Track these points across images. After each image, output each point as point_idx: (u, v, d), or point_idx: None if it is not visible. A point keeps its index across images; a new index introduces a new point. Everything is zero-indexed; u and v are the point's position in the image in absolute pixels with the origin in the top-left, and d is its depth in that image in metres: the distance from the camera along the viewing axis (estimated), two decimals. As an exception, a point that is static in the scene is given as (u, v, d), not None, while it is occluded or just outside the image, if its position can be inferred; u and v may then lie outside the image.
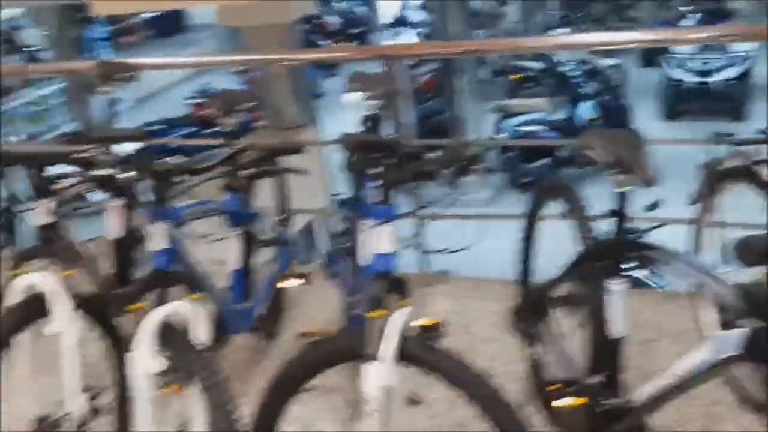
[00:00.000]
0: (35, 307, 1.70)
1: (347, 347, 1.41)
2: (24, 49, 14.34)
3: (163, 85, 14.34)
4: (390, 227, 1.38)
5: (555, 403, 1.46)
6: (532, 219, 2.09)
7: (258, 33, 4.44)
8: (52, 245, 1.77)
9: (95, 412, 1.82)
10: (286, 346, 2.56)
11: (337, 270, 2.28)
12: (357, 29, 16.87)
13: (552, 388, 1.51)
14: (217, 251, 2.23)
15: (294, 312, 2.77)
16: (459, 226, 2.16)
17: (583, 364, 1.77)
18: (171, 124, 10.64)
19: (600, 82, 10.44)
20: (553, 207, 2.03)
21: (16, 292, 1.73)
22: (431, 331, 1.53)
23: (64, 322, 1.72)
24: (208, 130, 10.29)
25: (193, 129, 10.32)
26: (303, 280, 2.37)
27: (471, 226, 2.85)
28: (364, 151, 1.28)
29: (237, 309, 2.16)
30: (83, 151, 1.37)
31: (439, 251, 1.41)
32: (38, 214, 1.74)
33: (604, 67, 10.69)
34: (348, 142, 1.53)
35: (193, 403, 1.63)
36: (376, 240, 1.38)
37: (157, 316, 1.52)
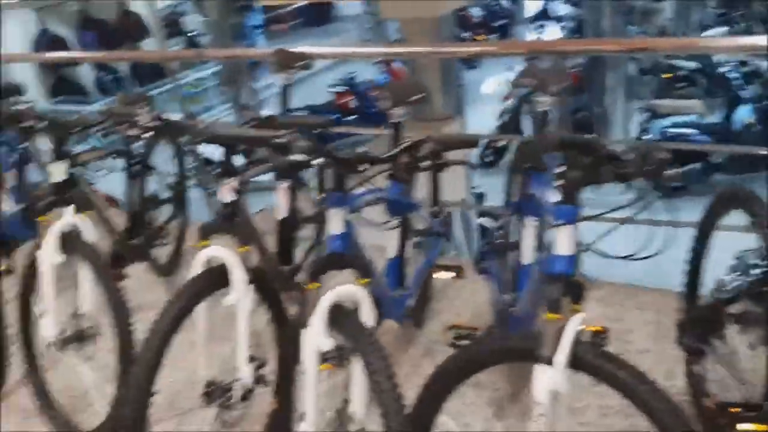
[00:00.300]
0: (216, 279, 1.82)
1: (520, 347, 1.40)
2: (188, 33, 15.31)
3: (307, 72, 14.82)
4: (572, 228, 1.36)
5: (740, 427, 1.38)
6: (706, 229, 1.98)
7: (415, 25, 4.51)
8: (232, 221, 1.89)
9: (259, 381, 1.93)
10: (432, 336, 2.59)
11: (490, 266, 2.26)
12: (499, 22, 16.66)
13: (732, 410, 1.42)
14: (374, 238, 2.29)
15: (440, 303, 2.79)
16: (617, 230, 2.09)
17: (760, 388, 1.67)
18: (314, 111, 10.98)
19: (762, 86, 9.69)
20: (733, 217, 1.92)
21: (199, 263, 1.86)
22: (599, 337, 1.50)
23: (240, 295, 1.83)
24: (350, 118, 10.56)
25: (333, 116, 10.65)
26: (454, 273, 2.37)
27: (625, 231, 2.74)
28: (561, 150, 1.25)
29: (392, 296, 2.20)
30: (280, 137, 1.45)
31: (625, 258, 1.35)
32: (224, 192, 1.86)
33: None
34: (542, 141, 1.51)
35: (355, 382, 1.68)
36: (557, 241, 1.36)
37: (331, 296, 1.58)
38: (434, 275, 2.33)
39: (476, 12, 16.29)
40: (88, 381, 2.31)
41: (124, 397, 1.71)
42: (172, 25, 16.31)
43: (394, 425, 1.47)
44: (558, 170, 1.34)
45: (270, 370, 1.98)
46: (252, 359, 1.88)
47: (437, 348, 2.50)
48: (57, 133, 2.22)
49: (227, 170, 1.85)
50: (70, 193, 2.31)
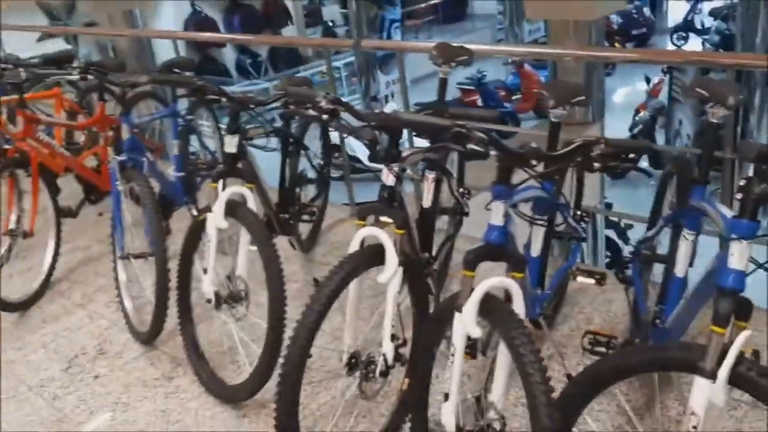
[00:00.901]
0: (372, 257, 1.92)
1: (681, 358, 1.39)
2: (328, 23, 15.76)
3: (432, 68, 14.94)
4: (748, 244, 1.34)
5: None
6: None
7: (561, 27, 4.48)
8: (391, 205, 1.98)
9: (398, 359, 2.01)
10: (561, 339, 2.59)
11: (633, 276, 2.23)
12: (639, 30, 16.09)
13: None
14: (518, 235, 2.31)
15: (571, 308, 2.78)
16: None
17: None
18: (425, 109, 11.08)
19: None
20: None
21: (357, 241, 1.97)
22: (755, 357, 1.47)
23: (391, 275, 1.91)
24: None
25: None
26: (595, 279, 2.36)
27: None
28: (758, 162, 1.23)
29: (531, 294, 2.23)
30: (455, 127, 1.51)
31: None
32: (387, 176, 1.95)
33: None
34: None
35: (499, 372, 1.73)
36: (732, 255, 1.34)
37: (486, 285, 1.63)
38: (577, 278, 2.32)
39: (615, 19, 15.82)
40: (236, 339, 2.49)
41: (287, 359, 1.84)
42: (313, 15, 16.90)
43: (544, 419, 1.50)
44: (742, 183, 1.32)
45: (405, 350, 2.06)
46: (393, 337, 1.96)
47: (566, 351, 2.50)
48: (234, 107, 2.40)
49: (391, 155, 1.94)
50: (239, 164, 2.50)
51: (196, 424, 2.39)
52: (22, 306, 3.25)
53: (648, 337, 2.09)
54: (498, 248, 1.69)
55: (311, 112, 1.95)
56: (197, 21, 14.18)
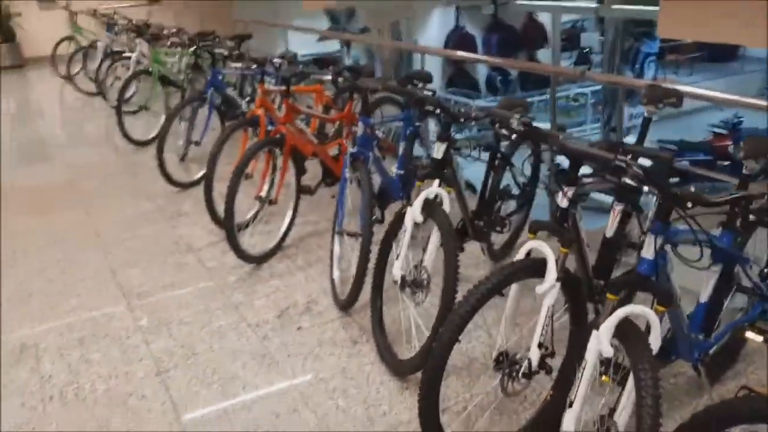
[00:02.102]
0: (533, 268, 2.13)
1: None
2: (583, 49, 15.64)
3: (695, 106, 14.10)
4: None
5: None
6: None
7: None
8: (561, 224, 2.17)
9: (542, 367, 2.19)
10: (724, 393, 2.55)
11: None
12: None
13: None
14: (694, 282, 2.35)
15: (745, 366, 2.71)
16: None
17: None
18: (685, 147, 10.49)
19: None
20: None
21: (524, 251, 2.20)
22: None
23: (548, 288, 2.11)
24: (725, 163, 9.86)
25: (707, 158, 10.05)
26: (763, 338, 2.31)
27: None
28: None
29: (691, 338, 2.27)
30: (616, 160, 1.68)
31: None
32: (561, 198, 2.15)
33: None
34: None
35: (626, 396, 1.85)
36: None
37: (626, 310, 1.78)
38: (746, 334, 2.30)
39: None
40: (412, 321, 2.84)
41: (438, 339, 2.13)
42: (571, 39, 16.86)
43: None
44: None
45: (556, 364, 2.23)
46: (541, 346, 2.15)
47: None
48: (446, 119, 2.74)
49: (570, 179, 2.13)
50: (444, 169, 2.84)
51: (366, 384, 2.78)
52: (258, 260, 3.91)
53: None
54: (645, 279, 1.81)
55: (502, 131, 2.21)
56: (458, 36, 14.90)
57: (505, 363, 2.20)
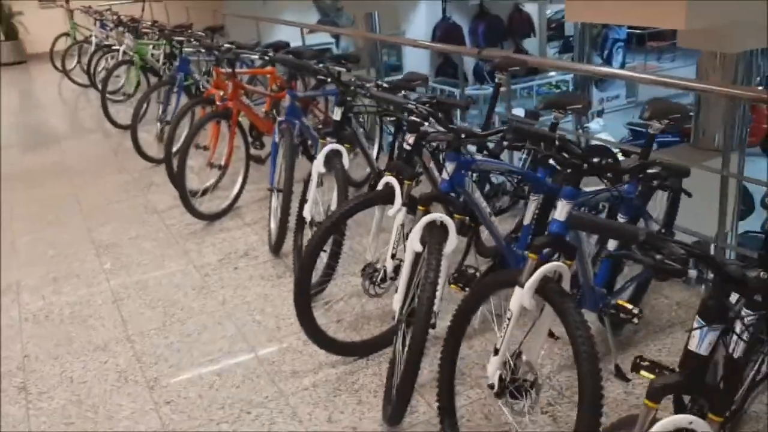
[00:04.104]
0: (386, 196, 2.73)
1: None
2: (568, 37, 16.05)
3: (669, 93, 14.57)
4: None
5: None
6: None
7: (709, 60, 4.71)
8: (407, 164, 2.78)
9: (396, 273, 2.76)
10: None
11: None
12: None
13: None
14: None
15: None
16: None
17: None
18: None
19: None
20: None
21: (381, 184, 2.80)
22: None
23: (397, 210, 2.70)
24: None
25: (675, 138, 10.59)
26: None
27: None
28: None
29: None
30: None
31: None
32: (405, 144, 2.76)
33: None
34: None
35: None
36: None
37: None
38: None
39: None
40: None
41: (305, 252, 2.75)
42: (557, 29, 17.37)
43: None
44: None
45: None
46: (394, 257, 2.75)
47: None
48: (341, 89, 3.36)
49: (411, 127, 2.73)
50: (342, 129, 3.46)
51: (281, 305, 3.40)
52: (211, 218, 4.54)
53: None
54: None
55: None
56: (445, 27, 15.44)
57: (369, 270, 2.81)
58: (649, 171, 1.96)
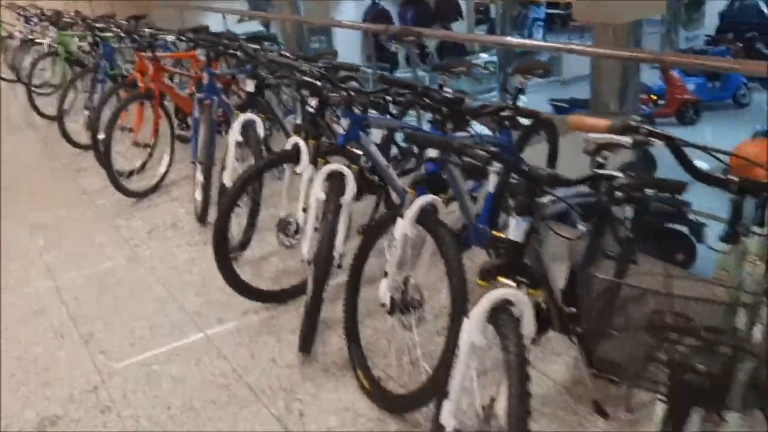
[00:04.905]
0: (293, 155, 3.02)
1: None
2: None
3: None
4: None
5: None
6: None
7: (605, 30, 5.14)
8: (312, 125, 3.08)
9: (306, 224, 3.08)
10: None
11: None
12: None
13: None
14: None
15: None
16: None
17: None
18: (575, 104, 11.62)
19: None
20: None
21: (289, 144, 3.09)
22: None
23: (304, 167, 3.00)
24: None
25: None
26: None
27: None
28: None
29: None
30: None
31: None
32: (309, 107, 3.06)
33: None
34: None
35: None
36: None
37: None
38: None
39: None
40: (240, 223, 3.73)
41: (219, 208, 3.02)
42: (484, 12, 17.91)
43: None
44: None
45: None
46: (305, 210, 3.05)
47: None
48: (251, 62, 3.63)
49: (317, 92, 3.04)
50: (255, 100, 3.74)
51: (204, 263, 3.66)
52: (140, 195, 4.76)
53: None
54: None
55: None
56: (374, 12, 15.74)
57: (283, 224, 3.10)
58: (502, 114, 2.31)
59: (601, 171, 1.55)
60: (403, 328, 2.52)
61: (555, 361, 2.63)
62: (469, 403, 1.85)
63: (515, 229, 1.72)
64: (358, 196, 3.16)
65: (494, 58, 14.14)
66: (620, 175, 1.53)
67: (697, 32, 14.31)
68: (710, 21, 15.49)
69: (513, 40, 6.27)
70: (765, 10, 15.42)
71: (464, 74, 3.15)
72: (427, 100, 2.27)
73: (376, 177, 3.11)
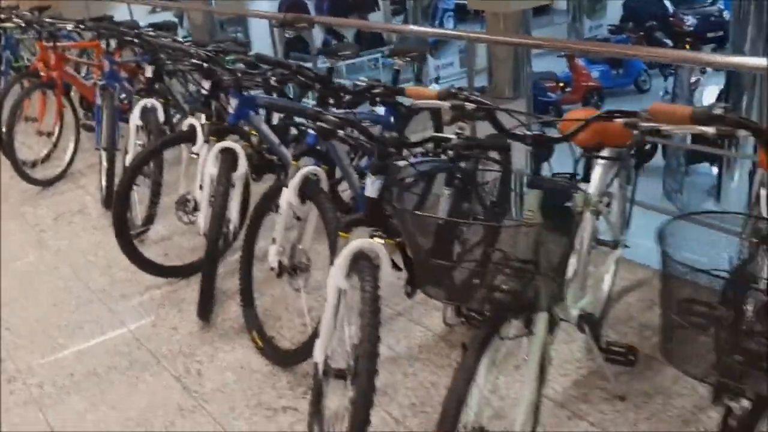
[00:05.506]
0: (189, 136, 3.19)
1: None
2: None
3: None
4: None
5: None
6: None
7: (496, 18, 5.48)
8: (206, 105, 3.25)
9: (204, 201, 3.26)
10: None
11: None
12: (715, 33, 16.06)
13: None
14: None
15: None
16: None
17: None
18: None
19: None
20: None
21: (186, 125, 3.26)
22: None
23: (199, 147, 3.17)
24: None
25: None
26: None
27: None
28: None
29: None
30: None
31: None
32: (204, 86, 3.23)
33: None
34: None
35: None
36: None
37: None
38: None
39: (690, 20, 15.91)
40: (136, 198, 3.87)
41: (119, 182, 3.16)
42: (401, 2, 18.23)
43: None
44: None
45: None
46: (201, 188, 3.22)
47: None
48: (148, 47, 3.76)
49: (207, 73, 3.21)
50: (154, 84, 3.87)
51: (110, 247, 3.77)
52: (45, 184, 4.80)
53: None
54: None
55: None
56: (290, 2, 15.79)
57: (182, 201, 3.26)
58: (373, 91, 2.56)
59: (437, 134, 1.81)
60: (295, 291, 2.75)
61: (434, 315, 2.91)
62: (339, 342, 2.10)
63: (371, 186, 1.97)
64: (258, 176, 3.40)
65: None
66: (453, 137, 1.79)
67: (601, 22, 15.04)
68: (613, 12, 16.32)
69: (415, 28, 6.57)
70: (664, 1, 16.39)
71: (348, 57, 3.38)
72: (300, 78, 2.49)
73: (275, 157, 3.31)
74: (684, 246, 1.40)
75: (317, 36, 16.61)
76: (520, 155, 2.67)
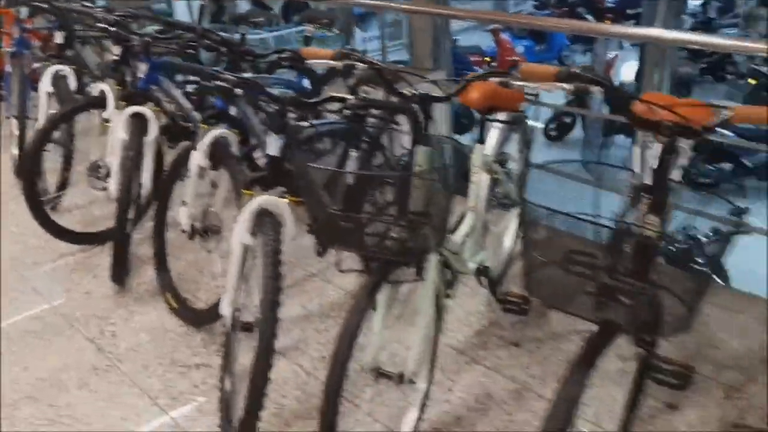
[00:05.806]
0: (100, 101, 3.17)
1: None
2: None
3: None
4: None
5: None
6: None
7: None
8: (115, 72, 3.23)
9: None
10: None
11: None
12: (636, 10, 16.59)
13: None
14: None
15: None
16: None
17: None
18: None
19: None
20: None
21: (96, 90, 3.24)
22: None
23: (111, 113, 3.16)
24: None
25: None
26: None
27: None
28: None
29: None
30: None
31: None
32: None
33: None
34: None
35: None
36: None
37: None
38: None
39: (612, -5, 16.35)
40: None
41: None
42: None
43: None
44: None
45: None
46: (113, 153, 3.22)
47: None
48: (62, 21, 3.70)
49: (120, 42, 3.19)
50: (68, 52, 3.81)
51: (27, 216, 3.72)
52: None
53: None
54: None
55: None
56: (215, -26, 15.40)
57: (93, 168, 3.25)
58: (281, 56, 2.62)
59: (334, 94, 1.90)
60: (207, 253, 2.81)
61: (347, 275, 3.01)
62: (247, 296, 2.18)
63: (272, 145, 2.05)
64: (173, 143, 3.41)
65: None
66: (350, 97, 1.89)
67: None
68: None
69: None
70: (589, -23, 16.81)
71: (265, 25, 3.41)
72: (206, 41, 2.53)
73: (191, 124, 3.33)
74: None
75: (244, 6, 16.31)
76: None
